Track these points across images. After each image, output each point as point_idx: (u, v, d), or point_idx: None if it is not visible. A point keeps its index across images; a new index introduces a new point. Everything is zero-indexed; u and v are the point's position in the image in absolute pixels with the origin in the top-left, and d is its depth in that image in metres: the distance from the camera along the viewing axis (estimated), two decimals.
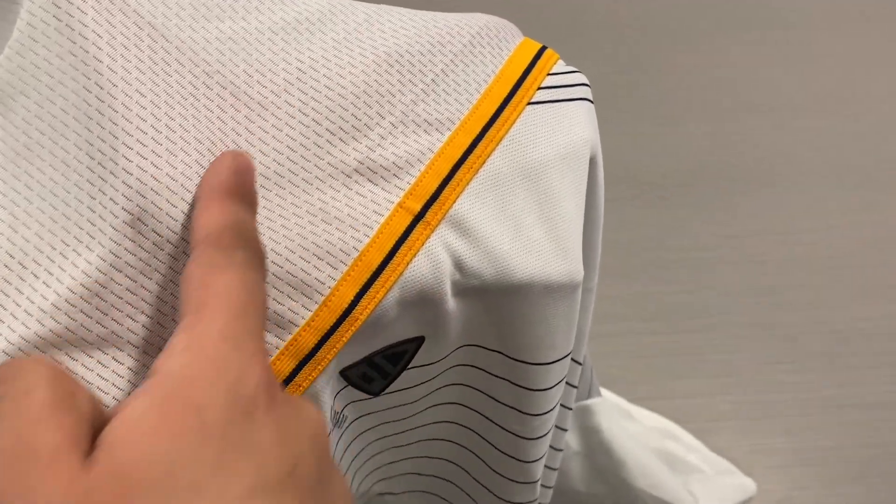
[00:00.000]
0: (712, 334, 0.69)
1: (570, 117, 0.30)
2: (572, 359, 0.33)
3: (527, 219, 0.28)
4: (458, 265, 0.27)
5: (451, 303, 0.27)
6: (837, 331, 0.69)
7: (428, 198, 0.27)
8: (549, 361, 0.30)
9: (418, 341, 0.28)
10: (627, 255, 0.71)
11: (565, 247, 0.29)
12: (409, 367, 0.29)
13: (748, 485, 0.58)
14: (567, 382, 0.35)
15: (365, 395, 0.29)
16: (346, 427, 0.31)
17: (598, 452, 0.49)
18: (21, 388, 0.19)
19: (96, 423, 0.19)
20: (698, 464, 0.57)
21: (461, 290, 0.28)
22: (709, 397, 0.66)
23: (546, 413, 0.32)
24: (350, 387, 0.29)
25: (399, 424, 0.33)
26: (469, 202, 0.28)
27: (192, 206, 0.24)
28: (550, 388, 0.31)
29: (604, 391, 0.51)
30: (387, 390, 0.30)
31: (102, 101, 0.25)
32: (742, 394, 0.66)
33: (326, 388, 0.27)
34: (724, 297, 0.70)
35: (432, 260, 0.27)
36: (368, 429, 0.32)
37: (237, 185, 0.24)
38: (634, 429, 0.57)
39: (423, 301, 0.27)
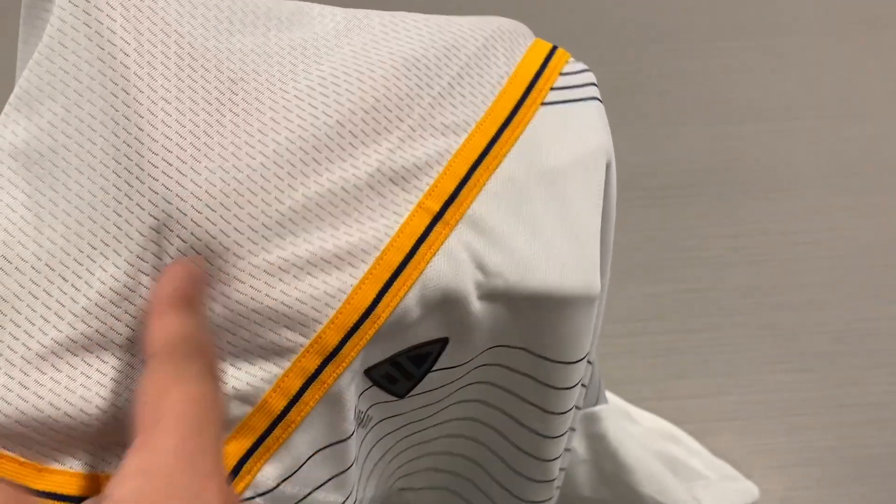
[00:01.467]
0: (713, 335, 0.69)
1: (581, 118, 0.31)
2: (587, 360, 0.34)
3: (546, 224, 0.29)
4: (480, 265, 0.28)
5: (476, 305, 0.28)
6: (838, 331, 0.69)
7: (446, 198, 0.28)
8: (574, 360, 0.31)
9: (443, 342, 0.28)
10: (628, 255, 0.71)
11: (585, 261, 0.29)
12: (434, 369, 0.29)
13: (751, 489, 0.58)
14: (581, 383, 0.35)
15: (390, 398, 0.30)
16: (371, 427, 0.31)
17: (605, 458, 0.49)
18: None
19: None
20: (701, 469, 0.57)
21: (487, 294, 0.28)
22: (709, 397, 0.66)
23: (566, 412, 0.33)
24: (375, 387, 0.29)
25: (423, 423, 0.33)
26: (487, 203, 0.29)
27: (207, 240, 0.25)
28: (572, 386, 0.32)
29: (606, 393, 0.51)
30: (412, 393, 0.30)
31: (129, 107, 0.25)
32: (742, 394, 0.66)
33: (351, 387, 0.27)
34: (724, 298, 0.70)
35: (452, 259, 0.27)
36: (393, 430, 0.33)
37: (182, 295, 0.24)
38: (635, 430, 0.57)
39: (447, 301, 0.27)
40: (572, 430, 0.39)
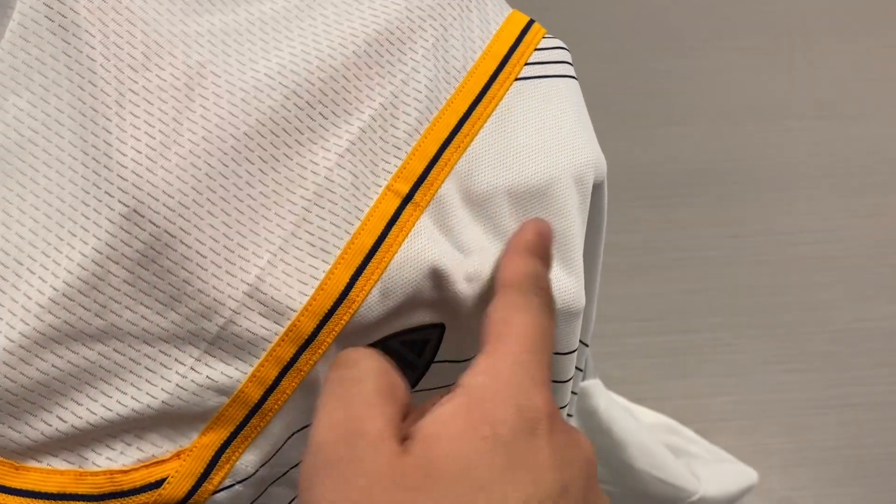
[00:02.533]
0: (714, 335, 0.69)
1: (557, 96, 0.30)
2: (581, 341, 0.33)
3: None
4: (458, 244, 0.28)
5: (462, 285, 0.27)
6: (838, 331, 0.69)
7: (416, 179, 0.27)
8: (565, 352, 0.30)
9: (440, 329, 0.28)
10: (629, 256, 0.71)
11: (569, 264, 0.29)
12: (438, 360, 0.29)
13: (750, 473, 0.57)
14: (577, 367, 0.35)
15: None
16: None
17: (597, 434, 0.48)
18: (356, 375, 0.23)
19: (406, 413, 0.23)
20: (700, 452, 0.57)
21: (470, 275, 0.28)
22: (710, 397, 0.66)
23: (563, 407, 0.32)
24: None
25: None
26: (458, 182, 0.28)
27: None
28: (567, 380, 0.32)
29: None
30: (419, 386, 0.29)
31: (96, 99, 0.25)
32: (743, 394, 0.66)
33: None
34: (725, 298, 0.70)
35: (426, 240, 0.27)
36: None
37: (538, 244, 0.27)
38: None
39: (427, 282, 0.27)
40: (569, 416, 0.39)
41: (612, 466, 0.49)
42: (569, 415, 0.39)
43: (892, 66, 0.85)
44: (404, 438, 0.22)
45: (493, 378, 0.23)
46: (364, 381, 0.23)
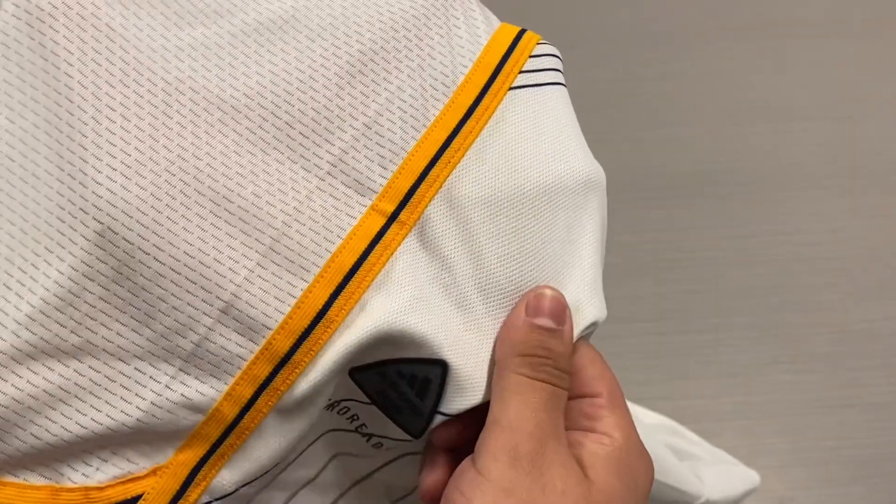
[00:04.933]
0: (715, 335, 0.69)
1: (551, 108, 0.29)
2: None
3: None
4: (447, 265, 0.27)
5: (451, 309, 0.27)
6: (838, 331, 0.69)
7: (401, 198, 0.27)
8: None
9: (440, 367, 0.26)
10: (630, 256, 0.71)
11: (559, 277, 0.28)
12: (443, 412, 0.27)
13: (752, 476, 0.57)
14: None
15: (405, 436, 0.28)
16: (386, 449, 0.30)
17: None
18: (560, 394, 0.27)
19: None
20: (702, 454, 0.57)
21: (461, 300, 0.27)
22: (711, 398, 0.66)
23: None
24: (375, 407, 0.28)
25: None
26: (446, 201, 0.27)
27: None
28: None
29: None
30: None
31: (73, 115, 0.25)
32: (744, 394, 0.66)
33: (314, 391, 0.26)
34: (725, 298, 0.70)
35: (413, 259, 0.27)
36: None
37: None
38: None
39: (417, 304, 0.26)
40: None
41: None
42: None
43: (893, 66, 0.85)
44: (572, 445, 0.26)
45: (627, 438, 0.27)
46: (564, 398, 0.27)
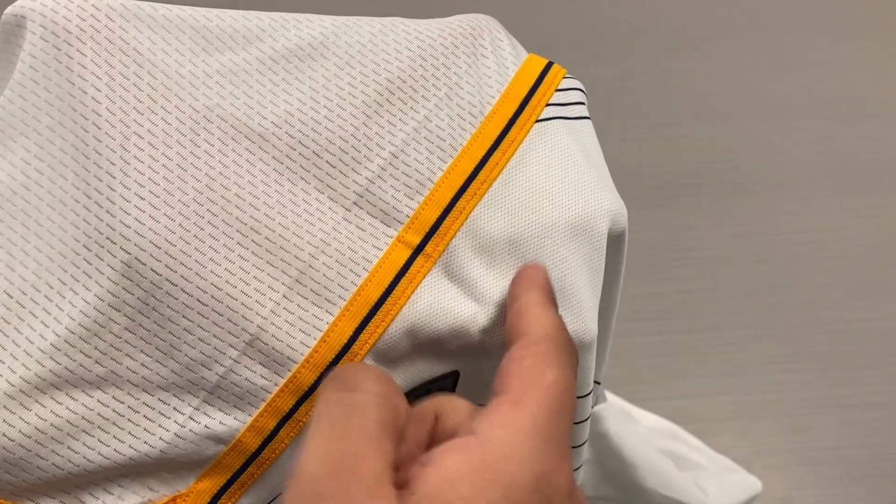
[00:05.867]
0: (714, 335, 0.69)
1: (577, 143, 0.29)
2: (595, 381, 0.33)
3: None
4: (472, 294, 0.27)
5: (476, 337, 0.27)
6: (838, 331, 0.69)
7: (427, 230, 0.27)
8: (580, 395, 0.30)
9: (454, 376, 0.27)
10: (630, 256, 0.71)
11: (577, 308, 0.28)
12: None
13: (754, 483, 0.57)
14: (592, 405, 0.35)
15: None
16: None
17: (607, 456, 0.49)
18: (357, 401, 0.21)
19: (410, 445, 0.21)
20: (703, 462, 0.57)
21: (485, 327, 0.27)
22: (710, 398, 0.66)
23: (579, 446, 0.32)
24: None
25: None
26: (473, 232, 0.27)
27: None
28: (584, 420, 0.31)
29: (606, 393, 0.51)
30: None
31: (100, 142, 0.25)
32: (743, 394, 0.66)
33: None
34: (725, 298, 0.70)
35: (438, 291, 0.26)
36: None
37: (552, 294, 0.26)
38: (637, 430, 0.57)
39: (440, 332, 0.26)
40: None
41: (623, 487, 0.50)
42: (583, 443, 0.39)
43: (892, 66, 0.85)
44: (403, 484, 0.20)
45: (514, 434, 0.21)
46: (366, 409, 0.21)
